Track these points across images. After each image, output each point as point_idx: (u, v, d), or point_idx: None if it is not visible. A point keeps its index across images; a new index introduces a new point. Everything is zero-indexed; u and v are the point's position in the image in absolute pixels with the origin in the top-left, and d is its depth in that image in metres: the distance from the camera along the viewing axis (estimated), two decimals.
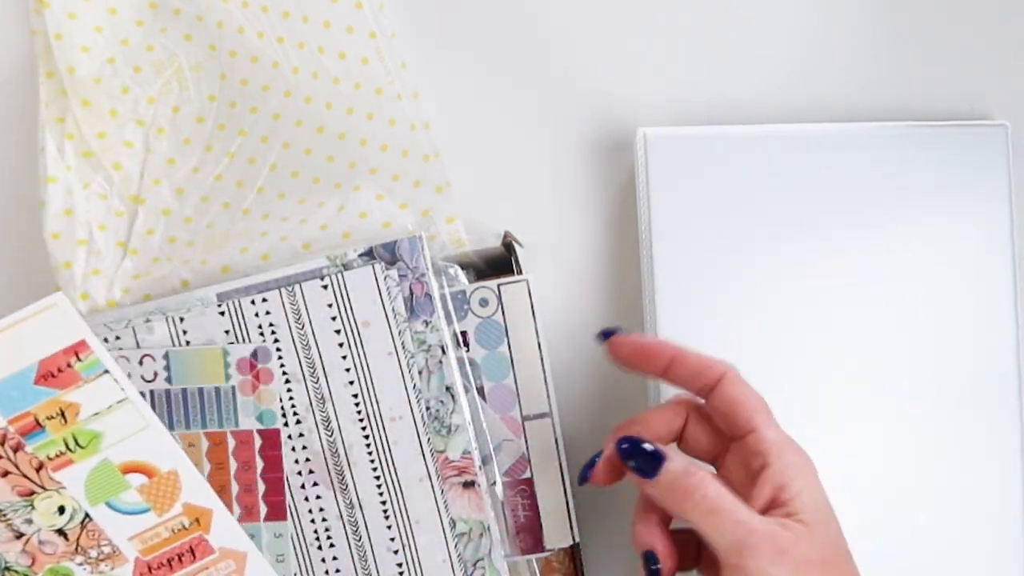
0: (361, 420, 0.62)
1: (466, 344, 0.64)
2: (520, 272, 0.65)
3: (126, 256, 0.65)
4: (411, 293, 0.62)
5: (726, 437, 0.58)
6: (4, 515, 0.50)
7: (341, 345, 0.62)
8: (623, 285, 0.70)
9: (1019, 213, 0.69)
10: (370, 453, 0.63)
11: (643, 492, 0.56)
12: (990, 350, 0.69)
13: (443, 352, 0.62)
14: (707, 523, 0.52)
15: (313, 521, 0.63)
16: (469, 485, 0.63)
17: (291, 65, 0.67)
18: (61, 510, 0.51)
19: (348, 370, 0.62)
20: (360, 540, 0.63)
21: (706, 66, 0.71)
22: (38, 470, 0.51)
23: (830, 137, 0.69)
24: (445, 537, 0.63)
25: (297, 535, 0.63)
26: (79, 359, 0.50)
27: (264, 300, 0.62)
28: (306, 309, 0.62)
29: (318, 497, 0.63)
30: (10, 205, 0.67)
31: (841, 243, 0.68)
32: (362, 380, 0.62)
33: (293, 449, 0.63)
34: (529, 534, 0.64)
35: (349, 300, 0.62)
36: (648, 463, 0.54)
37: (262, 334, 0.62)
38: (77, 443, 0.51)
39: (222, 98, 0.67)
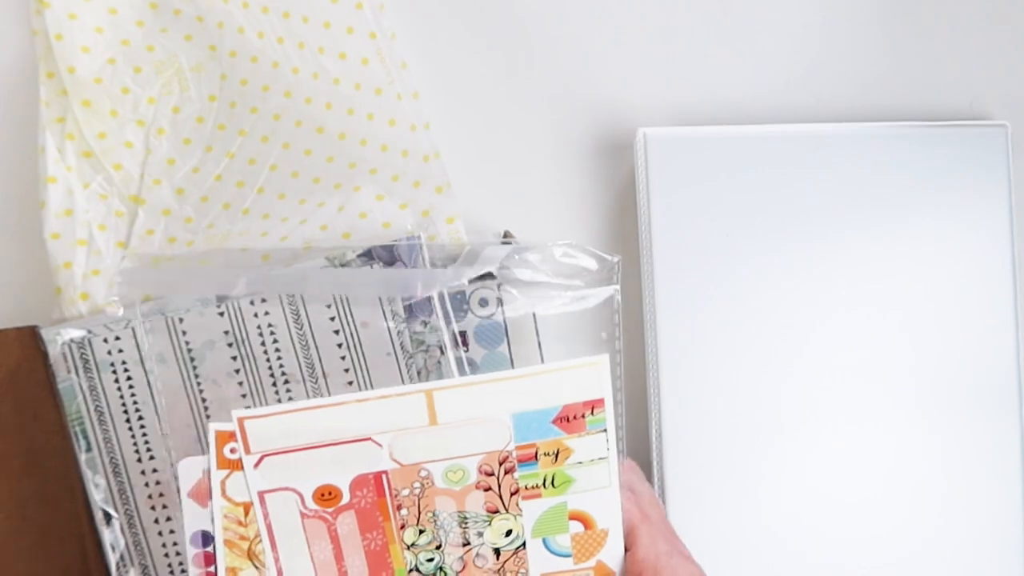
0: None
1: (465, 344, 0.64)
2: None
3: (126, 256, 0.65)
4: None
5: None
6: (465, 523, 0.55)
7: (340, 346, 0.62)
8: (623, 285, 0.70)
9: (1019, 213, 0.69)
10: None
11: None
12: (990, 349, 0.69)
13: (441, 352, 0.62)
14: None
15: None
16: None
17: (291, 65, 0.67)
18: (508, 533, 0.56)
19: (347, 371, 0.62)
20: None
21: (706, 66, 0.71)
22: (512, 494, 0.55)
23: (830, 137, 0.69)
24: None
25: None
26: (592, 413, 0.54)
27: (263, 301, 0.62)
28: (305, 310, 0.62)
29: None
30: (10, 205, 0.67)
31: (841, 243, 0.68)
32: (361, 381, 0.62)
33: None
34: None
35: (348, 301, 0.62)
36: None
37: (261, 335, 0.62)
38: (552, 482, 0.55)
39: (222, 98, 0.67)
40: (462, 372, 0.63)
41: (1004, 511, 0.69)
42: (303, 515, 0.55)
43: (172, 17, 0.67)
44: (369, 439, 0.54)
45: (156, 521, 0.63)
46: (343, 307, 0.62)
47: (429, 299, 0.62)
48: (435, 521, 0.56)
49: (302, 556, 0.55)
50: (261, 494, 0.55)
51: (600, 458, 0.55)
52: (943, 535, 0.69)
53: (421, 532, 0.56)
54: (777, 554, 0.67)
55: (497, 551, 0.56)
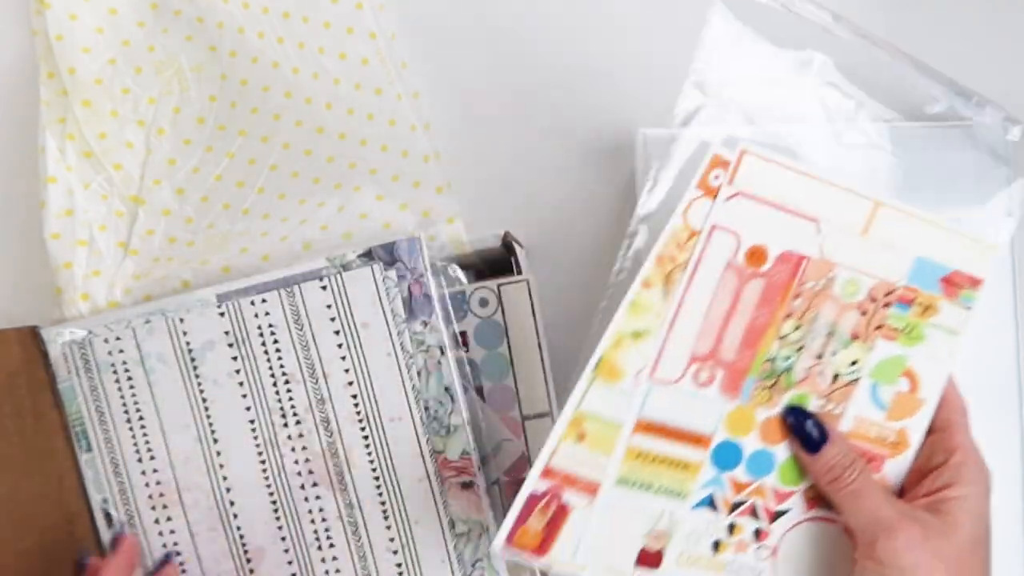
0: (360, 421, 0.62)
1: (465, 344, 0.64)
2: (520, 272, 0.65)
3: (127, 256, 0.65)
4: (410, 294, 0.62)
5: None
6: (831, 336, 0.59)
7: (340, 346, 0.62)
8: (623, 285, 0.70)
9: (1019, 213, 0.69)
10: (369, 454, 0.63)
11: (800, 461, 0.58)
12: (990, 349, 0.69)
13: (442, 352, 0.62)
14: (848, 504, 0.55)
15: (313, 521, 0.63)
16: (468, 485, 0.63)
17: (291, 66, 0.67)
18: (853, 363, 0.58)
19: (347, 371, 0.62)
20: (360, 540, 0.63)
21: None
22: (877, 328, 0.58)
23: (830, 137, 0.69)
24: (444, 537, 0.63)
25: (297, 535, 0.63)
26: (971, 288, 0.58)
27: (264, 301, 0.62)
28: (305, 310, 0.62)
29: (318, 498, 0.63)
30: (10, 205, 0.67)
31: None
32: (361, 381, 0.62)
33: (293, 449, 0.63)
34: None
35: (348, 301, 0.62)
36: (811, 439, 0.57)
37: (261, 335, 0.62)
38: (910, 331, 0.58)
39: (223, 98, 0.67)
40: (463, 373, 0.63)
41: (1004, 511, 0.69)
42: (728, 265, 0.57)
43: (172, 18, 0.67)
44: (816, 221, 0.57)
45: (156, 521, 0.63)
46: (343, 308, 0.62)
47: (429, 299, 0.62)
48: (813, 323, 0.58)
49: (704, 300, 0.58)
50: (714, 227, 0.57)
51: (953, 332, 0.58)
52: None
53: (797, 328, 0.58)
54: None
55: (836, 376, 0.58)
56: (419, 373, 0.62)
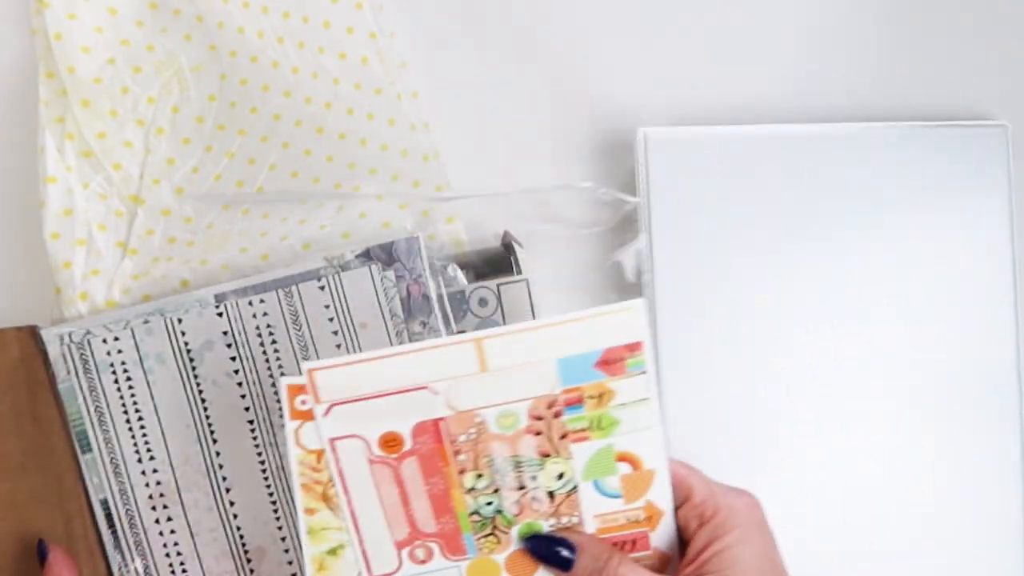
0: None
1: None
2: (519, 272, 0.65)
3: (126, 256, 0.65)
4: (408, 294, 0.62)
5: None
6: (520, 467, 0.57)
7: (339, 346, 0.62)
8: (623, 285, 0.70)
9: (1019, 213, 0.69)
10: None
11: None
12: (990, 349, 0.69)
13: None
14: None
15: None
16: None
17: (291, 65, 0.67)
18: (560, 476, 0.57)
19: None
20: None
21: (706, 66, 0.71)
22: (561, 438, 0.57)
23: (830, 137, 0.69)
24: None
25: (297, 535, 0.63)
26: (631, 355, 0.56)
27: (262, 301, 0.62)
28: (303, 310, 0.62)
29: None
30: (10, 205, 0.67)
31: (841, 243, 0.68)
32: None
33: None
34: None
35: (346, 301, 0.62)
36: (561, 557, 0.57)
37: (259, 335, 0.62)
38: (599, 424, 0.57)
39: (222, 98, 0.67)
40: None
41: (1004, 511, 0.69)
42: (370, 461, 0.57)
43: (172, 17, 0.67)
44: (426, 387, 0.56)
45: (157, 521, 0.63)
46: (342, 308, 0.62)
47: (428, 299, 0.62)
48: (491, 466, 0.57)
49: (371, 499, 0.57)
50: (332, 441, 0.56)
51: (642, 399, 0.57)
52: (943, 535, 0.69)
53: (479, 476, 0.57)
54: None
55: (551, 494, 0.58)
56: None
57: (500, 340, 0.55)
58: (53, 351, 0.62)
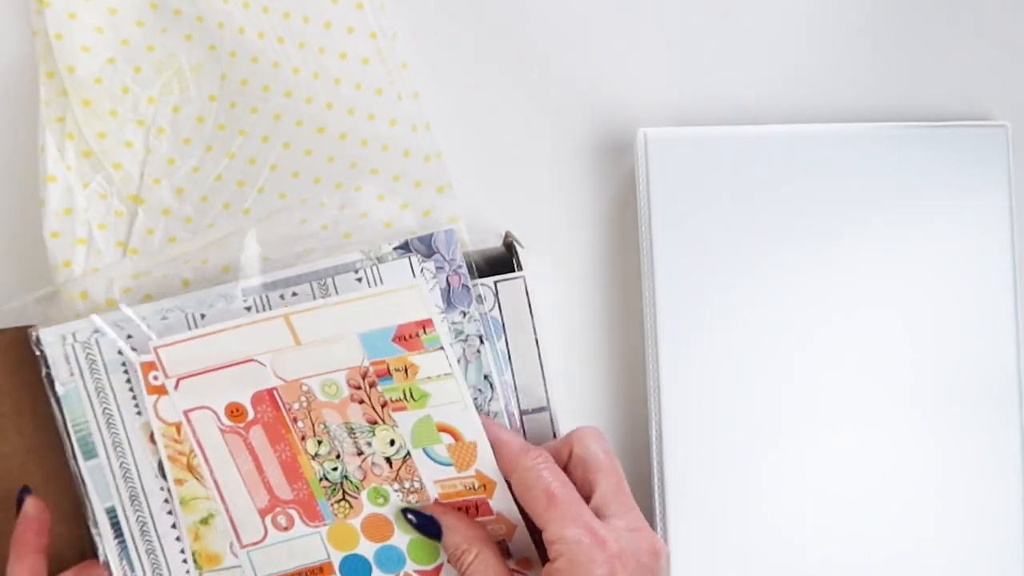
0: None
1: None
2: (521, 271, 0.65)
3: (126, 256, 0.65)
4: (448, 285, 0.62)
5: None
6: (353, 433, 0.60)
7: None
8: (623, 285, 0.70)
9: (1019, 213, 0.70)
10: None
11: None
12: (990, 348, 0.69)
13: (481, 342, 0.62)
14: None
15: None
16: None
17: (292, 65, 0.67)
18: (392, 443, 0.60)
19: None
20: None
21: (706, 66, 0.71)
22: (383, 406, 0.60)
23: (830, 137, 0.69)
24: None
25: None
26: (425, 332, 0.58)
27: (294, 295, 0.62)
28: None
29: None
30: (10, 204, 0.67)
31: (841, 244, 0.68)
32: None
33: None
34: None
35: None
36: (431, 531, 0.60)
37: None
38: (411, 395, 0.60)
39: (222, 98, 0.67)
40: (498, 364, 0.64)
41: (1004, 511, 0.69)
42: (222, 430, 0.61)
43: (172, 17, 0.67)
44: (253, 360, 0.60)
45: (174, 526, 0.62)
46: None
47: (468, 289, 0.62)
48: (328, 432, 0.61)
49: (230, 468, 0.61)
50: (186, 412, 0.60)
51: (445, 374, 0.59)
52: (943, 534, 0.69)
53: (320, 443, 0.61)
54: (777, 553, 0.67)
55: (388, 460, 0.61)
56: (459, 362, 0.62)
57: (306, 316, 0.59)
58: (53, 352, 0.61)
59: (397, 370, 0.59)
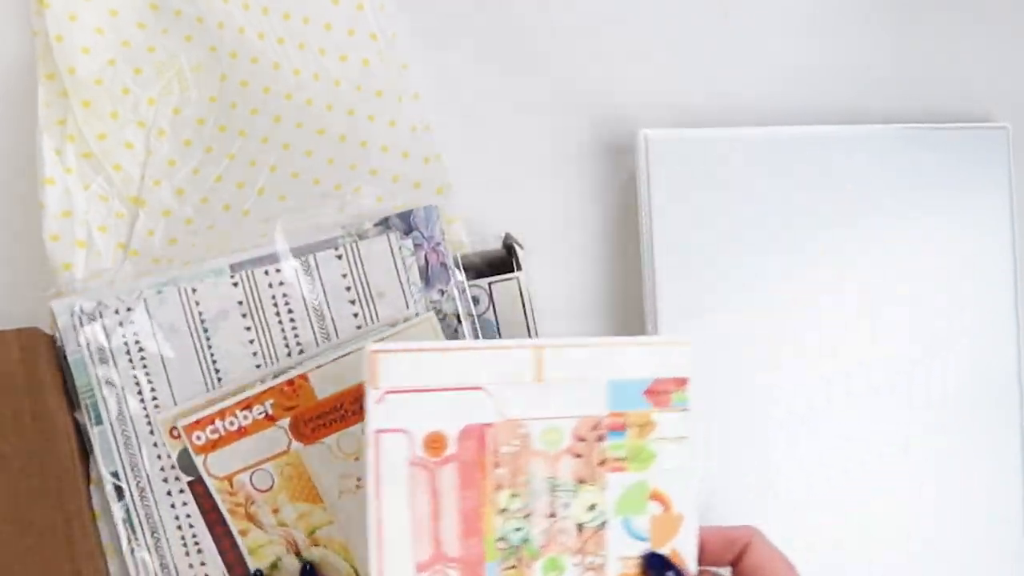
0: None
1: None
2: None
3: (127, 258, 0.65)
4: (426, 262, 0.62)
5: None
6: (555, 490, 0.56)
7: (356, 315, 0.62)
8: (623, 285, 0.70)
9: (1020, 214, 0.70)
10: None
11: None
12: (990, 348, 0.69)
13: (459, 321, 0.62)
14: None
15: None
16: None
17: (292, 67, 0.67)
18: (592, 507, 0.56)
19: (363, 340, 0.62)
20: None
21: (706, 67, 0.71)
22: (599, 464, 0.56)
23: (831, 138, 0.69)
24: None
25: None
26: (677, 390, 0.56)
27: (278, 271, 0.62)
28: (320, 279, 0.62)
29: None
30: (10, 205, 0.66)
31: (841, 244, 0.69)
32: None
33: None
34: None
35: (364, 270, 0.62)
36: None
37: (275, 304, 0.62)
38: (637, 456, 0.56)
39: (223, 99, 0.67)
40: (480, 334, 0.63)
41: (1004, 511, 0.69)
42: (411, 462, 0.54)
43: (173, 18, 0.67)
44: (481, 388, 0.55)
45: (169, 493, 0.63)
46: (359, 277, 0.62)
47: (446, 268, 0.62)
48: (527, 485, 0.55)
49: (400, 508, 0.54)
50: (377, 433, 0.54)
51: (681, 437, 0.56)
52: (943, 534, 0.69)
53: (514, 496, 0.55)
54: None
55: (580, 527, 0.56)
56: None
57: (560, 351, 0.55)
58: (63, 321, 0.62)
59: (635, 425, 0.56)
